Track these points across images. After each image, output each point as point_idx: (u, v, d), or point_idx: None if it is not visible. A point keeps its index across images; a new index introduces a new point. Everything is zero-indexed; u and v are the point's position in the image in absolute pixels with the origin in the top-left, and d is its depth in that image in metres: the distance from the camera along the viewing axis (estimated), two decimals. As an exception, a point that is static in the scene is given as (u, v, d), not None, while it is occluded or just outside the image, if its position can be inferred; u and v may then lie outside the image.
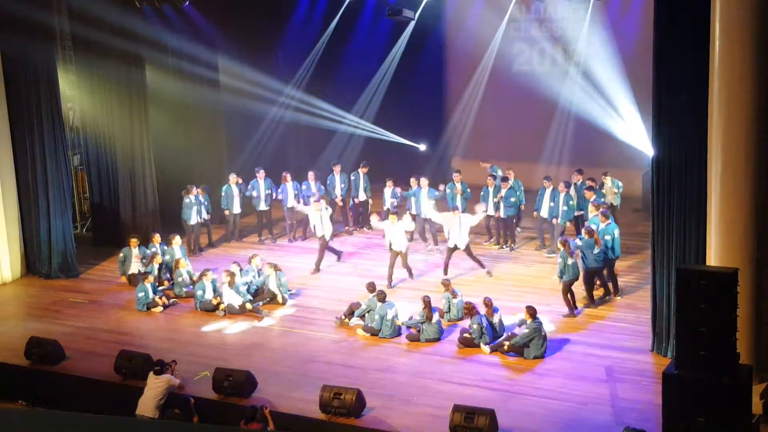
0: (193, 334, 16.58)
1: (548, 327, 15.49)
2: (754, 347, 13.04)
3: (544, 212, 19.42)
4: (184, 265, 18.37)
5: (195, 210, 20.40)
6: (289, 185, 20.98)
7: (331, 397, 13.10)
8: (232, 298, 17.12)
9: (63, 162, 19.76)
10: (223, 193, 20.98)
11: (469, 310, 15.30)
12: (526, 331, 14.68)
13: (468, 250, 18.14)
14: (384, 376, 14.48)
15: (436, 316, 15.67)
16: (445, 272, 17.98)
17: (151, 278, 17.86)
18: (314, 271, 19.14)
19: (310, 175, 21.16)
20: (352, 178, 21.56)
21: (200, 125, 22.83)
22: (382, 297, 15.99)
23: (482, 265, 18.25)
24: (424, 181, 19.98)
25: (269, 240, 21.38)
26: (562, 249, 16.36)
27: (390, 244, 18.29)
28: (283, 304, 17.51)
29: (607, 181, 19.60)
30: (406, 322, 15.81)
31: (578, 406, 13.25)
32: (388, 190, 20.82)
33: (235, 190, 20.96)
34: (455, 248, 18.08)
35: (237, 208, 21.10)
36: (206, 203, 20.71)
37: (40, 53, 19.38)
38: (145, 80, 21.17)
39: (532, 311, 14.81)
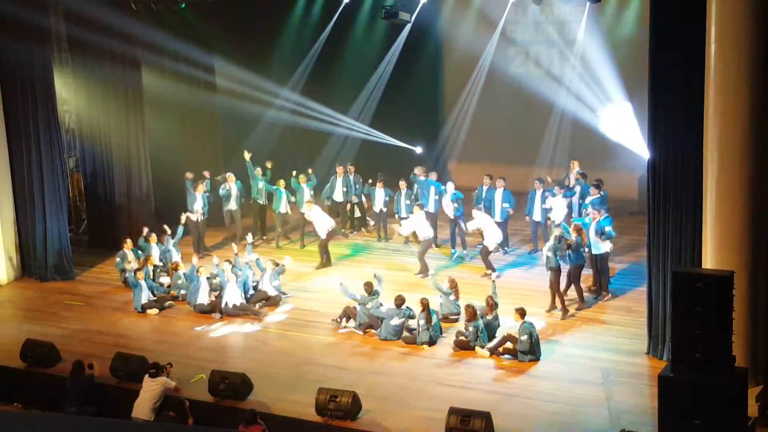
0: (189, 337, 16.57)
1: (544, 329, 15.51)
2: (749, 350, 13.06)
3: (537, 215, 19.44)
4: (181, 267, 18.37)
5: (199, 205, 20.28)
6: (284, 193, 20.95)
7: (327, 400, 13.09)
8: (231, 296, 17.10)
9: (59, 164, 19.73)
10: (222, 191, 20.87)
11: (471, 313, 15.27)
12: (524, 337, 14.68)
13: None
14: (380, 379, 14.48)
15: (434, 319, 15.67)
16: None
17: (141, 275, 17.74)
18: (321, 266, 19.41)
19: (303, 178, 21.08)
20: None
21: (197, 127, 22.82)
22: (399, 302, 15.88)
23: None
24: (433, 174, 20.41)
25: (261, 241, 21.35)
26: (555, 242, 16.38)
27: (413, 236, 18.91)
28: (278, 303, 17.56)
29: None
30: (404, 337, 15.75)
31: (574, 408, 13.25)
32: (380, 190, 20.82)
33: (234, 188, 20.84)
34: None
35: (234, 205, 20.99)
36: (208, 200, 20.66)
37: (36, 55, 19.35)
38: (142, 82, 21.17)
39: (522, 312, 14.83)
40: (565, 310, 16.38)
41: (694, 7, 13.01)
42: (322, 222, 19.40)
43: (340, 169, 21.48)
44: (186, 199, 20.43)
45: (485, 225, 18.32)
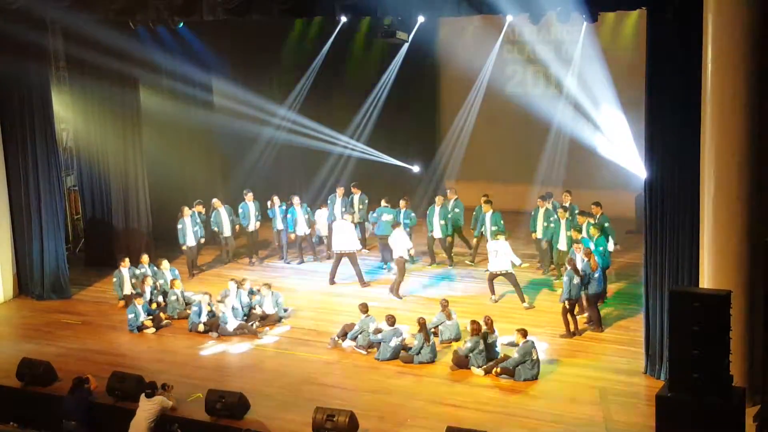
0: (186, 356, 16.53)
1: (542, 348, 15.49)
2: (747, 370, 13.04)
3: (539, 233, 19.43)
4: (177, 286, 18.38)
5: (190, 231, 20.30)
6: (277, 209, 20.99)
7: (324, 419, 13.05)
8: (229, 315, 17.10)
9: (56, 183, 19.71)
10: (212, 218, 20.99)
11: (476, 329, 15.21)
12: (517, 356, 14.68)
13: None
14: (377, 398, 14.44)
15: (432, 338, 15.64)
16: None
17: (141, 300, 17.80)
18: (363, 284, 19.47)
19: (296, 199, 21.08)
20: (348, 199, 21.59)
21: (194, 146, 22.85)
22: (392, 321, 15.88)
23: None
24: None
25: (257, 261, 21.37)
26: (568, 268, 16.31)
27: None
28: (278, 321, 17.55)
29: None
30: (402, 356, 15.72)
31: (571, 428, 13.22)
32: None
33: (224, 213, 20.92)
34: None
35: (227, 231, 21.07)
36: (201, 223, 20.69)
37: (34, 74, 19.37)
38: (139, 101, 21.20)
39: (523, 332, 14.83)
40: (569, 333, 16.35)
41: (691, 28, 13.07)
42: (352, 239, 19.52)
43: (340, 190, 21.52)
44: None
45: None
